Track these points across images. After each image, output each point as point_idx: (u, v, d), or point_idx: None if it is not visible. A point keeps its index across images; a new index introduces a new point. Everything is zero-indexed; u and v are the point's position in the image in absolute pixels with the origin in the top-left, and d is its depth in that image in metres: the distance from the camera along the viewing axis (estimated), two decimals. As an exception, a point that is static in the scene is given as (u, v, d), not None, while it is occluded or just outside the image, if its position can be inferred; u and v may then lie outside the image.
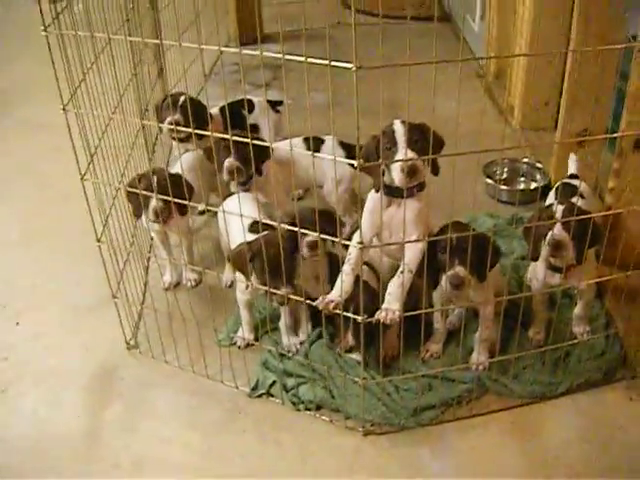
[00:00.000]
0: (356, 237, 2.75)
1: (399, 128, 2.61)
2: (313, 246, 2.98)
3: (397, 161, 2.57)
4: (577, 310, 3.22)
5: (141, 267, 3.67)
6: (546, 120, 4.97)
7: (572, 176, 3.61)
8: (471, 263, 2.73)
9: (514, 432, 2.90)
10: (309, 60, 2.05)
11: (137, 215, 3.42)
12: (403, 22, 6.79)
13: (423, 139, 2.57)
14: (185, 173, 3.54)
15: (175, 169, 3.68)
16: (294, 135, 3.67)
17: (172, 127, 3.71)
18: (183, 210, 3.35)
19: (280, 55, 2.13)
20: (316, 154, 2.42)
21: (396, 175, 2.61)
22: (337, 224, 2.99)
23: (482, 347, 3.11)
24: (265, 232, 2.94)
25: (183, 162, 3.60)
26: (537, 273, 3.09)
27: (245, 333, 3.34)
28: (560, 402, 3.02)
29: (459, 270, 2.75)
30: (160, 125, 3.88)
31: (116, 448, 2.89)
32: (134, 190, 3.06)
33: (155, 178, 3.17)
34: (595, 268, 3.10)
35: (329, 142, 3.85)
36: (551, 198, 3.57)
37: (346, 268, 2.75)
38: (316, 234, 2.61)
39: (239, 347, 3.32)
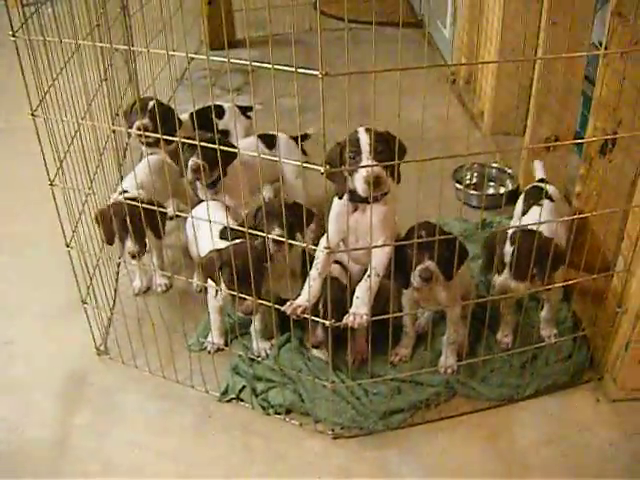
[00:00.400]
0: (323, 242, 2.77)
1: (363, 137, 2.61)
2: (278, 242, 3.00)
3: (361, 167, 2.58)
4: (544, 313, 3.26)
5: (111, 272, 3.66)
6: (515, 125, 5.01)
7: (541, 180, 3.65)
8: (439, 261, 2.75)
9: (482, 434, 2.93)
10: (276, 67, 2.07)
11: (109, 243, 3.39)
12: (373, 27, 6.83)
13: (387, 148, 2.57)
14: (152, 175, 3.54)
15: (141, 170, 3.67)
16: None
17: (140, 132, 3.71)
18: (158, 234, 3.40)
19: (247, 62, 2.15)
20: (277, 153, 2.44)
21: (359, 186, 2.61)
22: (304, 216, 3.07)
23: (450, 350, 3.13)
24: (236, 241, 2.95)
25: (150, 164, 3.58)
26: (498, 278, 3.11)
27: (215, 338, 3.34)
28: (528, 404, 3.06)
29: (429, 264, 2.77)
30: (129, 130, 3.87)
31: (86, 453, 2.89)
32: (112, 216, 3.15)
33: (127, 213, 3.09)
34: (560, 274, 3.12)
35: (281, 137, 3.95)
36: (520, 202, 3.61)
37: (313, 273, 2.77)
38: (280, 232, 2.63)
39: (209, 352, 3.32)
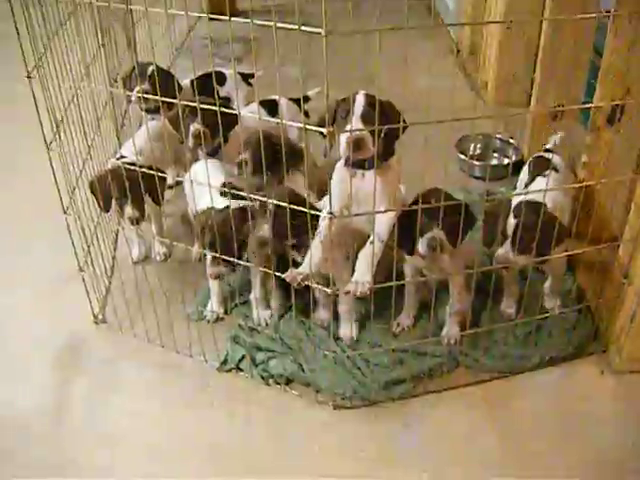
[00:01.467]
0: (325, 208, 2.72)
1: (359, 99, 2.56)
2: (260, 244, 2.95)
3: (351, 130, 2.51)
4: (547, 284, 3.22)
5: (109, 240, 3.62)
6: (519, 95, 4.94)
7: (547, 150, 3.59)
8: (446, 228, 2.71)
9: (484, 405, 2.90)
10: (278, 25, 2.01)
11: (105, 209, 3.32)
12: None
13: (382, 117, 2.43)
14: (151, 141, 3.48)
15: (140, 136, 3.60)
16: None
17: (140, 96, 3.65)
18: (157, 201, 3.34)
19: (249, 21, 2.09)
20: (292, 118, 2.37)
21: (342, 146, 2.56)
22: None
23: (453, 320, 3.09)
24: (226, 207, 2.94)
25: (150, 130, 3.52)
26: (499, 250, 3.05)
27: (214, 306, 3.31)
28: (531, 376, 3.03)
29: (436, 233, 2.73)
30: (128, 94, 3.80)
31: (84, 423, 2.86)
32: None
33: (126, 178, 2.99)
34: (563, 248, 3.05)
35: (282, 101, 3.91)
36: (525, 172, 3.56)
37: (315, 241, 2.72)
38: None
39: (208, 321, 3.28)
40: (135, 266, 3.58)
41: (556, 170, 3.35)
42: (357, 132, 2.49)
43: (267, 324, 3.21)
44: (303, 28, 1.96)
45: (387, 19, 1.97)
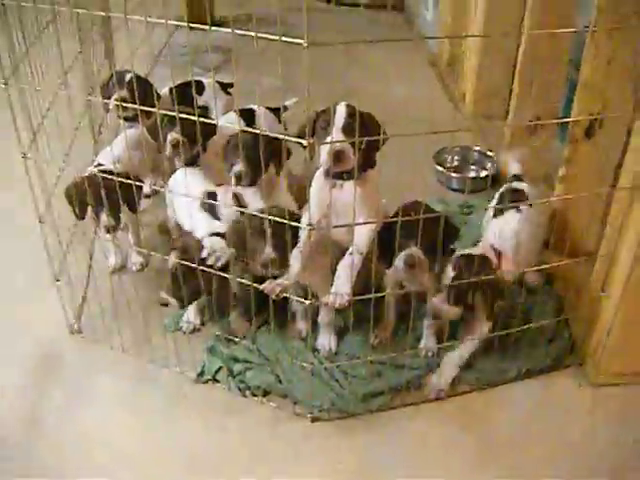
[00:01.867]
0: (304, 219, 2.71)
1: (340, 110, 2.56)
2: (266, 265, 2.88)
3: (331, 142, 2.53)
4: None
5: (85, 249, 3.58)
6: (498, 108, 4.95)
7: (516, 177, 3.57)
8: (426, 242, 2.70)
9: (463, 417, 2.90)
10: (259, 35, 2.00)
11: (81, 217, 3.29)
12: (355, 9, 6.79)
13: (362, 128, 2.44)
14: (129, 150, 3.45)
15: (118, 144, 3.57)
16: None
17: (118, 104, 3.61)
18: (134, 209, 3.31)
19: (230, 30, 2.08)
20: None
21: (323, 158, 2.57)
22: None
23: (430, 332, 3.09)
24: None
25: (128, 138, 3.50)
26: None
27: (191, 317, 3.28)
28: (509, 388, 3.03)
29: (414, 250, 2.72)
30: (106, 102, 3.75)
31: (57, 434, 2.81)
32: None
33: (102, 185, 2.99)
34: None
35: (260, 110, 3.94)
36: (494, 202, 3.54)
37: (295, 252, 2.71)
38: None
39: (184, 332, 3.26)
40: (111, 276, 3.55)
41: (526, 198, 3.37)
42: (338, 144, 2.48)
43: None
44: (284, 39, 1.95)
45: (366, 30, 1.97)
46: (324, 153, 2.54)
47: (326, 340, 3.11)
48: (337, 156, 2.51)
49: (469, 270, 2.75)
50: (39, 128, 2.87)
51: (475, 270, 2.72)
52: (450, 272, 2.80)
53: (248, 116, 3.88)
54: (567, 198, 3.17)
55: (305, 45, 1.92)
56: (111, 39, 4.92)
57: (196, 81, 4.23)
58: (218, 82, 4.33)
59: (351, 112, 2.55)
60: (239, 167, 3.13)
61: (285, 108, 4.09)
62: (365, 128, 2.47)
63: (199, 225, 3.14)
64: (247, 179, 3.13)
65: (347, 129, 2.54)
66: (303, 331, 3.18)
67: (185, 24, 2.15)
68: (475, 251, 2.93)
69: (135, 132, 3.72)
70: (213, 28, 2.10)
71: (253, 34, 2.01)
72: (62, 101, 3.03)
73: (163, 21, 2.19)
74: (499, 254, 3.01)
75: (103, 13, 3.91)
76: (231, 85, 4.43)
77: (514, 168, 3.64)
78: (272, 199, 3.21)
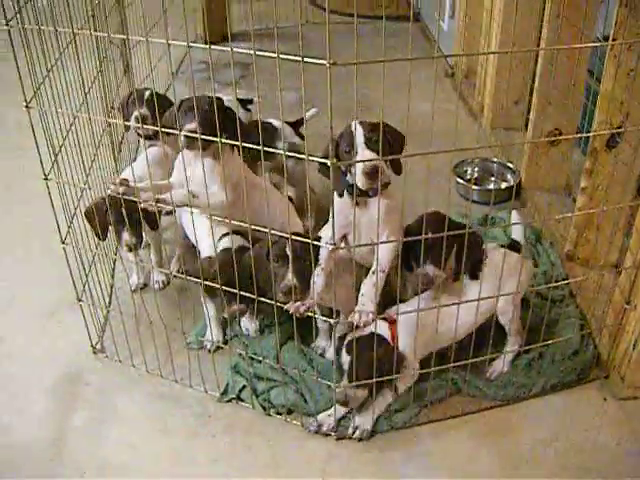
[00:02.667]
0: (325, 237, 2.70)
1: (358, 129, 2.56)
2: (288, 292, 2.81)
3: (358, 161, 2.53)
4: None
5: (106, 269, 3.59)
6: (516, 119, 4.94)
7: (513, 243, 3.25)
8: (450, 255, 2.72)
9: (488, 434, 2.87)
10: (281, 56, 2.00)
11: (102, 238, 3.26)
12: (370, 21, 6.79)
13: (383, 138, 2.43)
14: (151, 168, 3.44)
15: (140, 162, 3.58)
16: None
17: (138, 122, 3.60)
18: (155, 227, 3.31)
19: (251, 51, 2.07)
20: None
21: (359, 178, 2.55)
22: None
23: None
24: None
25: (149, 156, 3.49)
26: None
27: (214, 335, 3.29)
28: (534, 403, 3.01)
29: (428, 270, 2.73)
30: (126, 123, 3.72)
31: (82, 455, 2.81)
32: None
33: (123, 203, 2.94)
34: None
35: (278, 124, 3.93)
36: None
37: (317, 270, 2.70)
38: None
39: (209, 351, 3.26)
40: (133, 295, 3.55)
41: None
42: (372, 162, 2.49)
43: (253, 332, 3.27)
44: (307, 60, 1.95)
45: (380, 42, 1.95)
46: (359, 175, 2.54)
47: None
48: (373, 173, 2.50)
49: (364, 354, 2.70)
50: (60, 150, 2.87)
51: (369, 353, 2.68)
52: (345, 356, 2.76)
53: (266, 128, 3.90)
54: (590, 212, 3.14)
55: (328, 65, 1.92)
56: (129, 55, 4.94)
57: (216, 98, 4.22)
58: (238, 99, 4.32)
59: (368, 128, 2.56)
60: (193, 126, 2.93)
61: (302, 121, 4.05)
62: (385, 138, 2.48)
63: (203, 244, 3.17)
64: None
65: (371, 145, 2.54)
66: (325, 347, 3.17)
67: (206, 46, 2.14)
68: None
69: (157, 150, 3.72)
70: (235, 49, 2.09)
71: (275, 55, 2.00)
72: (82, 121, 3.05)
73: (184, 43, 2.19)
74: None
75: (123, 36, 3.91)
76: (250, 101, 4.43)
77: (516, 233, 3.32)
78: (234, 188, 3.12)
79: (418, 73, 2.23)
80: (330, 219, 2.74)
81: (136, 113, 3.68)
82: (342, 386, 2.70)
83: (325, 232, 2.82)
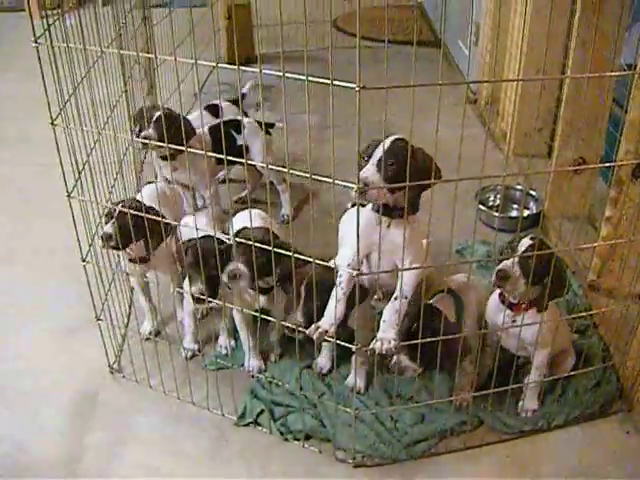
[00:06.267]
0: (345, 259, 2.65)
1: (385, 144, 2.46)
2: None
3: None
4: (530, 378, 2.98)
5: (127, 288, 3.57)
6: (539, 147, 4.92)
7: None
8: None
9: (509, 465, 2.83)
10: (310, 79, 1.98)
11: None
12: (392, 46, 6.81)
13: (402, 165, 2.35)
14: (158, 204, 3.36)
15: (147, 197, 3.49)
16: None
17: (144, 143, 3.54)
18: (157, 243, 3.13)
19: (280, 73, 2.06)
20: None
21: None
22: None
23: (464, 381, 3.02)
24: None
25: (145, 191, 3.50)
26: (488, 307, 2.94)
27: (188, 344, 3.31)
28: (555, 434, 2.96)
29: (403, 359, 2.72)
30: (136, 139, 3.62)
31: (96, 475, 2.79)
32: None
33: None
34: (554, 328, 2.84)
35: (245, 121, 4.15)
36: None
37: (338, 293, 2.65)
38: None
39: (185, 358, 3.27)
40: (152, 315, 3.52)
41: None
42: (365, 175, 2.40)
43: (260, 372, 3.21)
44: (336, 83, 1.93)
45: (402, 66, 1.94)
46: (352, 192, 2.36)
47: (361, 381, 3.08)
48: (362, 193, 2.39)
49: None
50: (84, 168, 2.87)
51: None
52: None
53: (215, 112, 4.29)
54: (616, 242, 3.11)
55: (357, 89, 1.90)
56: (154, 75, 4.95)
57: (235, 120, 4.22)
58: (258, 122, 4.30)
59: (396, 147, 2.46)
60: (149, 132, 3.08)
61: (272, 125, 4.36)
62: (412, 166, 2.33)
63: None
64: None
65: (383, 164, 2.43)
66: (325, 368, 3.20)
67: (234, 67, 2.13)
68: None
69: (153, 187, 3.62)
70: (264, 71, 2.08)
71: (304, 78, 1.99)
72: (107, 139, 3.05)
73: (213, 63, 2.18)
74: None
75: (151, 55, 3.92)
76: (272, 125, 4.42)
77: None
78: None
79: (441, 99, 2.21)
80: (350, 239, 2.63)
81: (144, 133, 3.59)
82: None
83: (345, 252, 2.73)
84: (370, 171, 2.43)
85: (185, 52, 2.40)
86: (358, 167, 2.19)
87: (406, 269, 2.52)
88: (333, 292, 2.63)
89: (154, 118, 3.60)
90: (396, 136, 2.51)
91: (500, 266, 2.66)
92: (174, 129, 3.36)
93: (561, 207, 4.17)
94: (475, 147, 2.36)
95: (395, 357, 2.69)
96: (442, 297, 2.91)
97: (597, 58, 3.56)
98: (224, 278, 2.86)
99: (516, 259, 2.63)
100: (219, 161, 3.01)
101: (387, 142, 2.48)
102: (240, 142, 4.14)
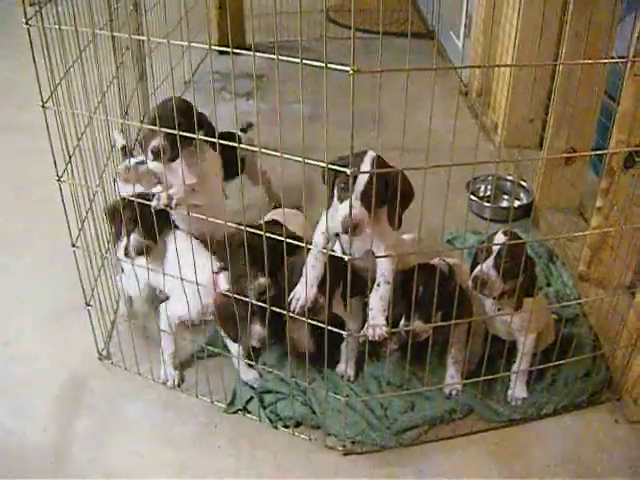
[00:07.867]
0: (321, 227, 2.66)
1: (362, 178, 2.39)
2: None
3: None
4: (515, 367, 3.00)
5: (116, 274, 3.55)
6: (530, 138, 4.92)
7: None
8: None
9: (498, 453, 2.83)
10: (304, 62, 1.97)
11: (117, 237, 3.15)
12: (384, 37, 6.78)
13: (384, 188, 2.39)
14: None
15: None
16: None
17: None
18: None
19: (273, 56, 2.04)
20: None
21: (338, 224, 2.43)
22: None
23: (455, 369, 3.03)
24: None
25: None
26: None
27: (170, 371, 3.16)
28: (544, 423, 2.97)
29: (416, 325, 2.71)
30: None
31: (85, 462, 2.78)
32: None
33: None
34: (536, 319, 2.87)
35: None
36: None
37: (310, 260, 2.65)
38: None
39: (170, 387, 3.13)
40: (142, 301, 3.51)
41: None
42: (356, 214, 2.39)
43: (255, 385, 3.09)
44: (330, 66, 1.92)
45: (394, 58, 1.92)
46: (338, 222, 2.43)
47: (351, 368, 3.08)
48: (354, 228, 2.39)
49: None
50: (74, 152, 2.85)
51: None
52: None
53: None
54: (606, 231, 3.11)
55: (351, 72, 1.89)
56: (144, 62, 4.92)
57: (229, 133, 4.07)
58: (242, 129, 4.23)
59: (376, 177, 2.37)
60: (157, 142, 2.89)
61: (250, 125, 4.19)
62: (392, 187, 2.41)
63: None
64: (168, 154, 2.91)
65: (366, 196, 2.38)
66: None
67: (228, 49, 2.11)
68: None
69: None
70: (257, 54, 2.06)
71: (298, 61, 1.97)
72: (98, 123, 3.02)
73: (206, 45, 2.17)
74: None
75: (144, 37, 3.88)
76: (251, 125, 4.34)
77: None
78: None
79: (429, 90, 2.19)
80: (322, 220, 2.67)
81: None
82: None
83: (318, 233, 2.70)
84: (357, 206, 2.40)
85: (178, 39, 2.37)
86: (351, 154, 2.15)
87: (380, 256, 2.55)
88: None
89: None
90: (370, 155, 2.47)
91: (475, 273, 2.68)
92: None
93: (552, 198, 4.18)
94: (466, 138, 2.35)
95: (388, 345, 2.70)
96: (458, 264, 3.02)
97: (590, 50, 3.57)
98: (252, 295, 2.76)
99: (490, 262, 2.65)
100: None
101: (367, 163, 2.44)
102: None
